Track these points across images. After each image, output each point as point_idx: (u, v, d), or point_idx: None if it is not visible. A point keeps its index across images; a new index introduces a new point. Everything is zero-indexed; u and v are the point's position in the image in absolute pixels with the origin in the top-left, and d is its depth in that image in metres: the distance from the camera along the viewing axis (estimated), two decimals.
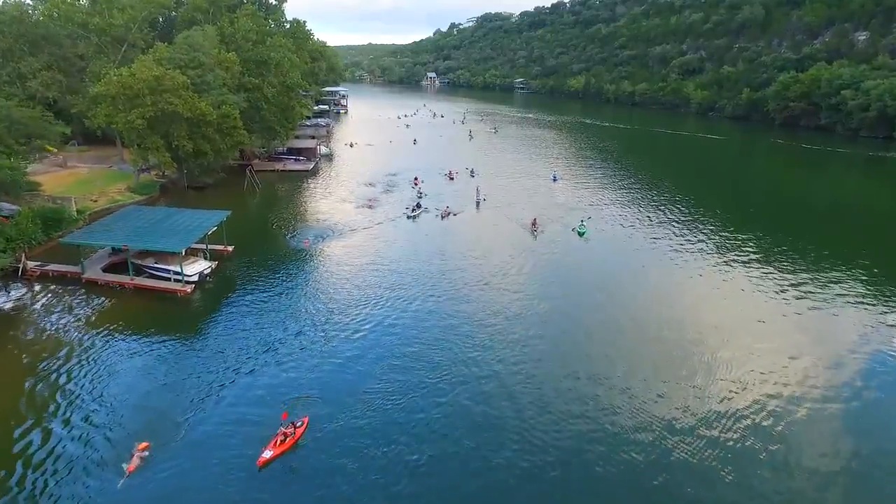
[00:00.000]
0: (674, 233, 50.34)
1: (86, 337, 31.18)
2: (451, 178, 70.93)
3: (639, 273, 40.88)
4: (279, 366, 28.45)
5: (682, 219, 55.14)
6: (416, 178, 68.23)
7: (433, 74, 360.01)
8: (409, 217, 52.66)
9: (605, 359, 29.48)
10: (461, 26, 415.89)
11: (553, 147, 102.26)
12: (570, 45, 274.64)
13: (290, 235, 48.03)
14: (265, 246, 45.84)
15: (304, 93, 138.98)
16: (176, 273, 37.51)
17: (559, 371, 28.25)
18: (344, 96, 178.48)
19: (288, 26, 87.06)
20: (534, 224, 48.52)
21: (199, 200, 61.83)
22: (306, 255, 43.55)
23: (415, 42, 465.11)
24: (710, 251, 45.73)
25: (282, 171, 77.75)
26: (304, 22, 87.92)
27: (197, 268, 38.64)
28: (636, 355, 29.79)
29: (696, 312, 35.44)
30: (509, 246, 45.27)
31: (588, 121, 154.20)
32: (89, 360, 28.91)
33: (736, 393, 26.61)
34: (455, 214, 53.97)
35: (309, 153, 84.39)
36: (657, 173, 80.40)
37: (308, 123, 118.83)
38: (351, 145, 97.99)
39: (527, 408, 25.24)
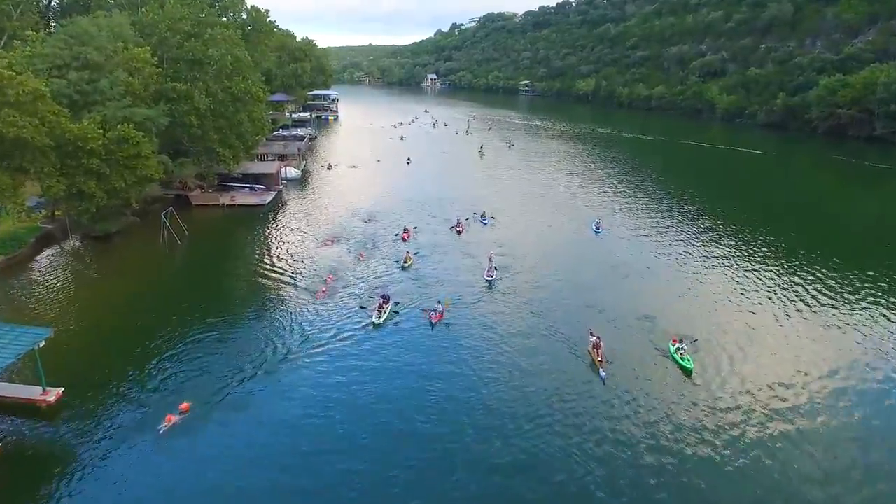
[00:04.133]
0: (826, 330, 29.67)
1: None
2: (459, 232, 47.48)
3: None
4: None
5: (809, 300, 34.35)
6: (405, 230, 46.12)
7: (433, 76, 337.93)
8: (375, 325, 29.69)
9: None
10: (463, 27, 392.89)
11: (580, 171, 78.59)
12: (578, 45, 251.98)
13: (165, 386, 24.58)
14: (122, 387, 24.87)
15: (282, 98, 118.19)
16: None
17: None
18: (334, 100, 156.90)
19: (245, 16, 66.03)
20: (596, 347, 26.25)
21: (94, 260, 41.29)
22: (178, 432, 22.01)
23: (415, 43, 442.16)
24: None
25: (229, 205, 56.87)
26: (267, 11, 66.69)
27: None
28: None
29: None
30: (563, 405, 23.32)
31: (605, 130, 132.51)
32: None
33: None
34: (449, 324, 30.30)
35: (269, 180, 63.46)
36: (715, 207, 59.07)
37: (285, 133, 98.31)
38: (329, 167, 76.02)
39: None
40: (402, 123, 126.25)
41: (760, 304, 33.88)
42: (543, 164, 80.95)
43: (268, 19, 66.97)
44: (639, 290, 36.12)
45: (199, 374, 25.52)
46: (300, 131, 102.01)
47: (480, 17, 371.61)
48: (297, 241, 44.62)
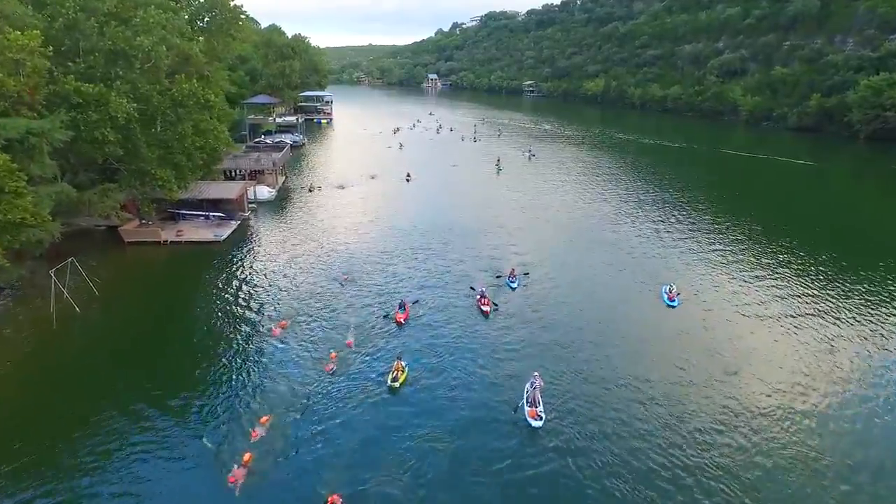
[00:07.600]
0: None
1: None
2: (485, 313, 29.44)
3: None
4: None
5: None
6: (401, 306, 29.54)
7: (434, 76, 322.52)
8: None
9: None
10: (464, 26, 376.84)
11: (614, 193, 60.19)
12: (584, 44, 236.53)
13: None
14: None
15: (266, 100, 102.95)
16: None
17: None
18: (328, 102, 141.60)
19: (203, 1, 51.16)
20: None
21: None
22: None
23: (415, 42, 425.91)
24: None
25: (173, 242, 42.33)
26: None
27: None
28: None
29: None
30: None
31: (622, 135, 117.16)
32: None
33: None
34: None
35: (232, 205, 48.74)
36: (814, 245, 44.38)
37: (269, 142, 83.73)
38: (311, 189, 59.91)
39: None
40: (399, 129, 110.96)
41: None
42: (571, 184, 64.96)
43: (232, 3, 51.90)
44: (770, 405, 21.67)
45: None
46: (284, 138, 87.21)
47: (482, 16, 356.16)
48: (238, 324, 28.74)
